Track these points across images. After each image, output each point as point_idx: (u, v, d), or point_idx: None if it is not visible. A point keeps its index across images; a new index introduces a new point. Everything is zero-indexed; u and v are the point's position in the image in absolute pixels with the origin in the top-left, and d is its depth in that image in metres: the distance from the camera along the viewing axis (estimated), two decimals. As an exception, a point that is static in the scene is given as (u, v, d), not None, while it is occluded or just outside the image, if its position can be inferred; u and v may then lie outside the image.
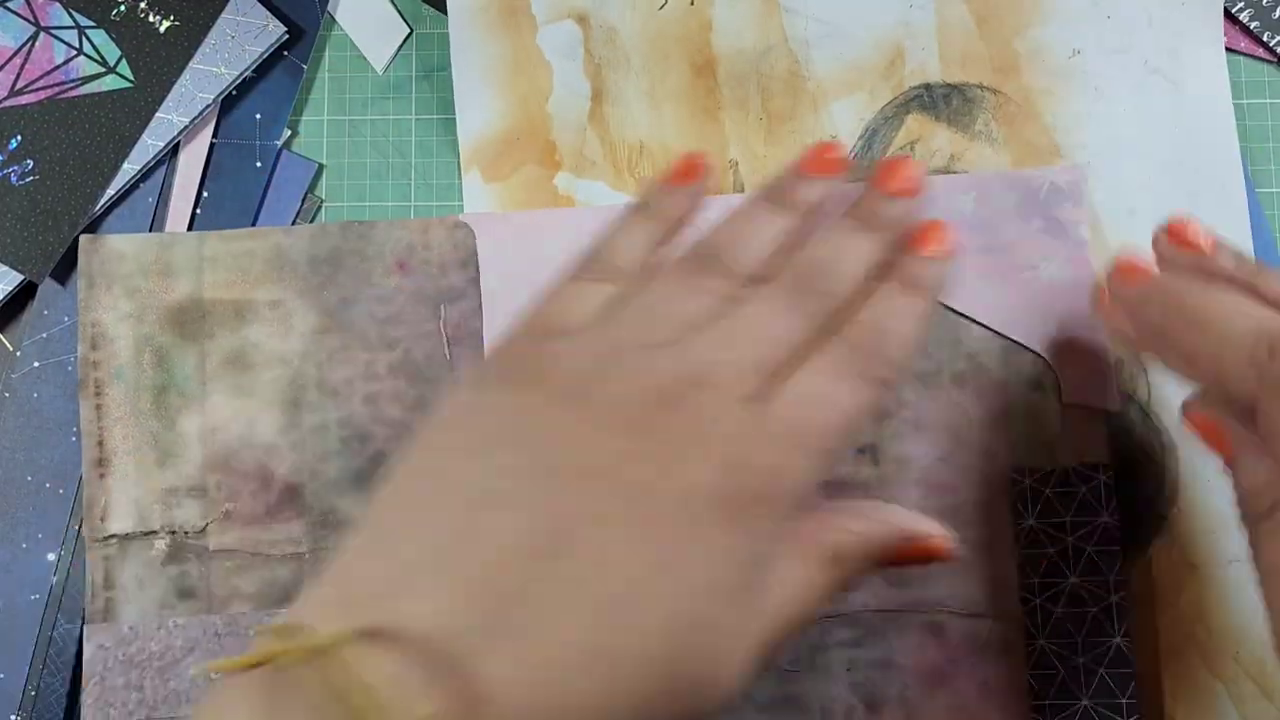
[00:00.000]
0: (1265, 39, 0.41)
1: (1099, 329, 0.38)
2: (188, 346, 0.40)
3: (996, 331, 0.39)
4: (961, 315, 0.38)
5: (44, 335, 0.40)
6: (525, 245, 0.40)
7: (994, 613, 0.37)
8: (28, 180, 0.40)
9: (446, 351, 0.39)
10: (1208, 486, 0.38)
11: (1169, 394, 0.39)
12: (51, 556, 0.40)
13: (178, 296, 0.40)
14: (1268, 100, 0.41)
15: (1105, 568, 0.36)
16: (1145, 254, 0.33)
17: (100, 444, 0.39)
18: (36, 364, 0.40)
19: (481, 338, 0.39)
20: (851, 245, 0.32)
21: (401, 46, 0.42)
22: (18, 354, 0.40)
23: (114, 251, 0.40)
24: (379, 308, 0.40)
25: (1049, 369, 0.38)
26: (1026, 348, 0.39)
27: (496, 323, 0.39)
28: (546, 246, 0.40)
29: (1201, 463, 0.38)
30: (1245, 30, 0.41)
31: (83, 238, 0.40)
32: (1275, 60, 0.41)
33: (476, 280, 0.40)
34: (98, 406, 0.39)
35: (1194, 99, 0.41)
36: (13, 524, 0.40)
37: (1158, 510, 0.38)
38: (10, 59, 0.41)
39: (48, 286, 0.40)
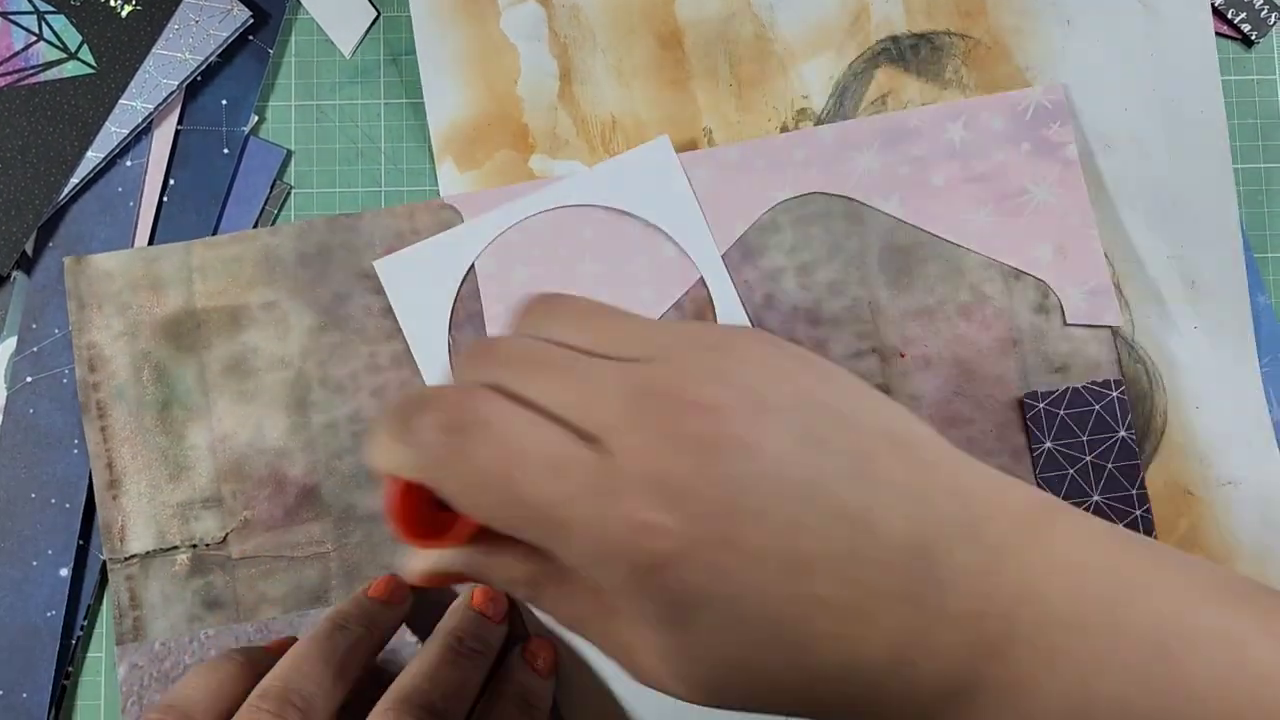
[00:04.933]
0: (1230, 16, 0.40)
1: (1096, 249, 0.38)
2: (185, 358, 0.39)
3: (995, 259, 0.39)
4: (959, 245, 0.38)
5: (35, 349, 0.40)
6: (513, 220, 0.39)
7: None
8: (-12, 169, 0.39)
9: (449, 337, 0.39)
10: (1195, 414, 0.38)
11: (1153, 326, 0.39)
12: (64, 572, 0.39)
13: (170, 309, 0.39)
14: (1233, 77, 0.41)
15: (1127, 482, 0.36)
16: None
17: (110, 466, 0.39)
18: (30, 379, 0.40)
19: (482, 319, 0.39)
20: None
21: (369, 30, 0.42)
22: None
23: (100, 271, 0.39)
24: (374, 299, 0.39)
25: (1051, 292, 0.38)
26: (1026, 273, 0.39)
27: (494, 303, 0.39)
28: (535, 221, 0.39)
29: (1188, 393, 0.39)
30: (1212, 8, 0.40)
31: (67, 260, 0.39)
32: (1239, 38, 0.41)
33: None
34: (103, 428, 0.39)
35: (1171, 22, 0.40)
36: (20, 542, 0.39)
37: (1148, 441, 0.38)
38: (-33, 47, 0.40)
39: (34, 300, 0.40)
